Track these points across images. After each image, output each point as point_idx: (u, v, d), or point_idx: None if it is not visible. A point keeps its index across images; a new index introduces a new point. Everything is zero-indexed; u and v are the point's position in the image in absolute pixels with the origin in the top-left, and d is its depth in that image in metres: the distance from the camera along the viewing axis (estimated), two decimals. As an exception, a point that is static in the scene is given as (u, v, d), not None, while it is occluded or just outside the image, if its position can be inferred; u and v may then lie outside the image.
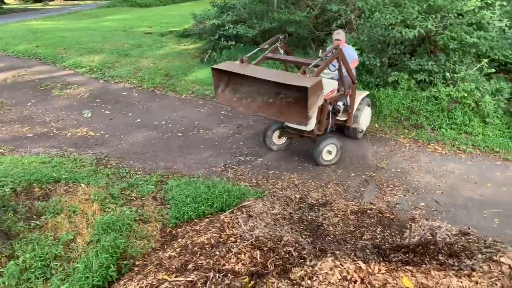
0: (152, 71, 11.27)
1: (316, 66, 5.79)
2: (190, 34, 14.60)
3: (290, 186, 6.00)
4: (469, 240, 3.99)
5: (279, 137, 7.08)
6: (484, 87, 7.58)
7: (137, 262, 3.79)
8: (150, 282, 2.89)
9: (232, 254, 2.99)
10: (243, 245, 3.08)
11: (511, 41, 7.67)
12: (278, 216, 4.74)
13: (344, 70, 6.25)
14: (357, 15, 9.24)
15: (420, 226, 4.82)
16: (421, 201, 5.64)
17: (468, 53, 7.85)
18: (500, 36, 7.77)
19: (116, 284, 3.37)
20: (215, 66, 5.54)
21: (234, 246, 3.09)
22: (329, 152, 6.58)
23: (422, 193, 5.84)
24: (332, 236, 4.69)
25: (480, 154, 6.97)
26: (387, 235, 4.66)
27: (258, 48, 6.42)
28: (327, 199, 5.66)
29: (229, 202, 4.87)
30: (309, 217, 5.07)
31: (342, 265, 2.70)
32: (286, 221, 4.71)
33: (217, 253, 3.07)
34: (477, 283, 2.65)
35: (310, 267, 2.74)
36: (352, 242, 4.49)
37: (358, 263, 2.77)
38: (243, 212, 4.31)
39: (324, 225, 4.89)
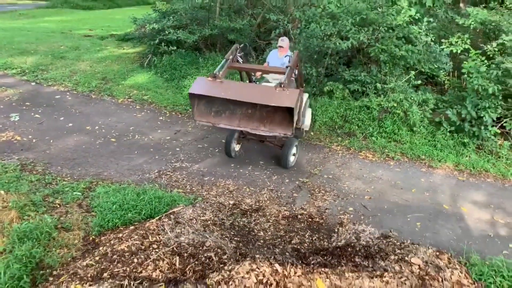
0: (88, 75, 10.88)
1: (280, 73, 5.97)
2: (131, 38, 14.28)
3: (225, 193, 5.99)
4: (389, 243, 4.17)
5: (237, 143, 7.07)
6: (412, 98, 8.00)
7: (54, 272, 3.60)
8: (61, 293, 2.75)
9: (151, 261, 2.92)
10: (163, 252, 3.02)
11: (436, 54, 8.16)
12: (209, 222, 4.70)
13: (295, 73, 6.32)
14: (296, 25, 9.48)
15: (347, 230, 4.97)
16: (350, 206, 5.82)
17: (397, 65, 8.26)
18: (427, 50, 8.26)
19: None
20: (191, 91, 5.24)
21: (154, 253, 3.02)
22: (294, 154, 6.81)
23: (351, 199, 6.04)
24: (262, 241, 4.72)
25: (407, 161, 7.33)
26: (315, 239, 4.75)
27: (225, 60, 5.99)
28: (260, 204, 5.70)
29: (158, 209, 4.77)
30: (241, 222, 5.08)
31: (258, 269, 2.72)
32: (217, 227, 4.68)
33: (135, 260, 2.99)
34: (387, 283, 2.76)
35: (227, 272, 2.73)
36: (281, 247, 4.55)
37: (275, 266, 2.80)
38: (171, 218, 4.24)
39: (255, 230, 4.92)
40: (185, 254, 3.05)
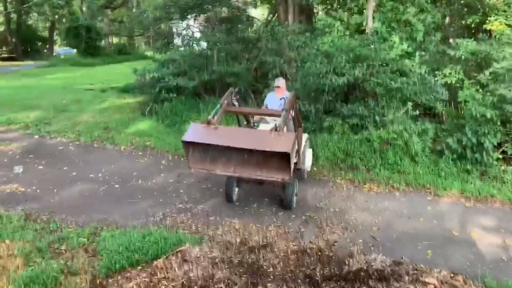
0: (90, 125, 11.05)
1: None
2: (131, 88, 14.61)
3: (231, 231, 5.91)
4: (402, 268, 4.09)
5: (237, 186, 6.84)
6: (411, 128, 8.08)
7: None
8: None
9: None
10: (172, 285, 2.95)
11: (431, 85, 8.32)
12: (217, 260, 4.62)
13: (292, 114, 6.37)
14: (292, 65, 9.75)
15: (358, 261, 4.87)
16: (359, 237, 5.74)
17: (394, 98, 8.42)
18: (422, 82, 8.43)
19: None
20: (184, 138, 5.24)
21: (163, 286, 2.96)
22: (296, 194, 6.67)
23: (360, 230, 5.96)
24: (272, 276, 4.61)
25: (413, 191, 7.30)
26: (326, 272, 4.65)
27: (219, 105, 6.06)
28: (268, 241, 5.62)
29: (165, 249, 4.70)
30: (250, 259, 4.98)
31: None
32: (225, 265, 4.59)
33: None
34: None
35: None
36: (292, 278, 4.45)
37: (288, 293, 2.73)
38: (178, 257, 4.18)
39: (264, 266, 4.82)
40: (195, 287, 2.98)
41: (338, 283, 3.16)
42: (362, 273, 3.33)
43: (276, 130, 5.11)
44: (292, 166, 5.09)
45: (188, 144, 5.31)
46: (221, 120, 5.99)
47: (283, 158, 5.00)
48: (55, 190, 7.25)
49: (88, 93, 15.52)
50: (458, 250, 5.44)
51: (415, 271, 3.17)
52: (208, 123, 5.34)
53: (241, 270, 4.64)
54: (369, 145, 8.21)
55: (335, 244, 5.57)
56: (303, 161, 7.06)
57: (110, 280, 4.05)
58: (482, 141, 7.43)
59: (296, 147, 5.34)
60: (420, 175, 7.67)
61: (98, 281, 4.13)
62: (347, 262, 4.97)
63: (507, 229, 6.04)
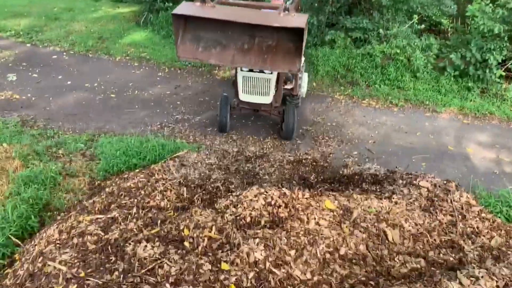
0: (84, 35, 10.64)
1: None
2: (126, -3, 13.88)
3: (229, 141, 5.96)
4: (394, 178, 4.16)
5: (231, 116, 6.20)
6: (415, 43, 7.83)
7: (62, 214, 3.61)
8: (69, 224, 2.74)
9: (158, 192, 2.90)
10: (170, 183, 2.99)
11: (439, -1, 7.91)
12: (214, 166, 4.67)
13: None
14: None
15: (352, 171, 4.96)
16: (354, 150, 5.80)
17: (400, 10, 8.04)
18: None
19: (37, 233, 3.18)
20: (175, 11, 4.28)
21: (160, 185, 3.00)
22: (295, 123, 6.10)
23: (356, 143, 6.01)
24: (267, 183, 4.72)
25: (411, 107, 7.26)
26: (320, 180, 4.75)
27: None
28: (265, 151, 5.68)
29: (162, 154, 4.73)
30: (246, 168, 5.05)
31: (266, 192, 2.70)
32: (222, 171, 4.66)
33: (142, 192, 2.97)
34: (396, 203, 2.75)
35: (235, 197, 2.72)
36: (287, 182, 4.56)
37: (283, 190, 2.78)
38: (176, 161, 4.21)
39: (260, 174, 4.89)
40: (192, 186, 3.03)
41: (332, 184, 3.23)
42: (356, 177, 3.39)
43: (285, 10, 4.24)
44: (303, 54, 4.45)
45: (178, 21, 4.42)
46: None
47: (291, 45, 4.33)
48: (51, 98, 7.17)
49: (80, 2, 14.74)
50: (452, 163, 5.53)
51: (410, 175, 3.23)
52: (203, 1, 4.41)
53: (237, 177, 4.74)
54: (370, 60, 7.99)
55: (330, 155, 5.64)
56: (300, 86, 6.50)
57: (108, 182, 4.11)
58: (486, 58, 7.23)
59: (306, 35, 4.52)
60: (420, 91, 7.58)
61: (96, 183, 4.20)
62: (341, 172, 5.08)
63: (502, 144, 6.10)
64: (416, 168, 5.26)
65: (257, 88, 5.57)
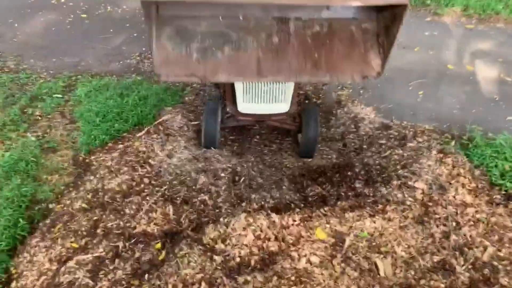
0: None
1: None
2: None
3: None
4: (390, 136, 4.01)
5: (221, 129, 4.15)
6: None
7: (50, 205, 3.54)
8: (58, 253, 2.71)
9: (143, 213, 2.80)
10: (154, 200, 2.88)
11: None
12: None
13: None
14: None
15: (346, 113, 4.75)
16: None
17: None
18: None
19: (27, 240, 3.13)
20: None
21: (145, 203, 2.88)
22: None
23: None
24: (258, 136, 4.57)
25: (411, 10, 6.63)
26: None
27: None
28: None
29: (145, 113, 4.47)
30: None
31: (255, 223, 2.61)
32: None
33: (127, 211, 2.87)
34: (389, 220, 2.69)
35: (224, 226, 2.64)
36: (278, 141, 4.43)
37: (271, 217, 2.68)
38: (160, 131, 4.00)
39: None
40: (178, 201, 2.92)
41: (324, 186, 3.14)
42: (349, 173, 3.26)
43: None
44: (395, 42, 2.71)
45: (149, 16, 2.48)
46: None
47: (360, 32, 2.74)
48: (16, 25, 6.52)
49: None
50: (450, 89, 5.27)
51: (405, 170, 3.04)
52: None
53: (227, 130, 4.56)
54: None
55: (323, 88, 5.34)
56: None
57: (92, 158, 3.96)
58: None
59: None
60: (422, -11, 6.87)
61: (80, 159, 4.05)
62: (334, 113, 4.88)
63: (505, 57, 5.73)
64: (412, 100, 5.02)
65: (268, 93, 3.51)
